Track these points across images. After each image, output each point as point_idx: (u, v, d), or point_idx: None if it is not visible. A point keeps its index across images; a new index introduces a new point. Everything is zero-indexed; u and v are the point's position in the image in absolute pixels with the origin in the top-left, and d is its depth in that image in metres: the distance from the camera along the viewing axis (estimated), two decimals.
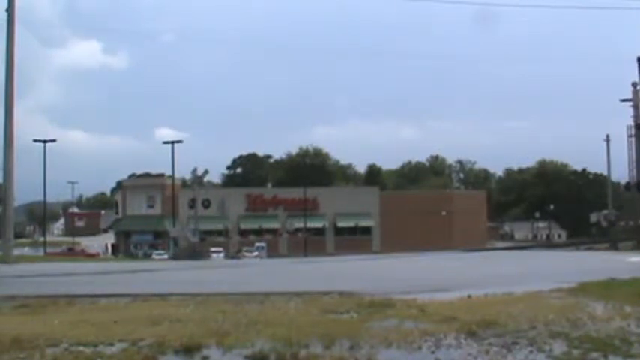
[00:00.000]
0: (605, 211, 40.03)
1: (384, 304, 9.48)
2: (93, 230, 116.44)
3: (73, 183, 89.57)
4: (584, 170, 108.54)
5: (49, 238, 74.03)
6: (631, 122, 38.31)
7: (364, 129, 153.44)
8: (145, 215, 74.33)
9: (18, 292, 12.52)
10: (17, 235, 40.83)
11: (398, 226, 68.11)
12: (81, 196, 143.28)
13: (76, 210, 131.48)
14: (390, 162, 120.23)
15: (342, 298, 10.57)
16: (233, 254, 58.85)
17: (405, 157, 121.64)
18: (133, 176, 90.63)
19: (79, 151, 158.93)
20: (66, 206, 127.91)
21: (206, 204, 70.25)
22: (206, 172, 67.50)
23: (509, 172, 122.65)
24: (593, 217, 41.25)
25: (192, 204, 64.56)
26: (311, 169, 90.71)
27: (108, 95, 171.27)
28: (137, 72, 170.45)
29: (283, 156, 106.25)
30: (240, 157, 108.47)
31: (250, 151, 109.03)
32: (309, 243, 63.14)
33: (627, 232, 38.45)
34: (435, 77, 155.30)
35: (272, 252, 61.91)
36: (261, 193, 77.26)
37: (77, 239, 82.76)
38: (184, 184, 75.07)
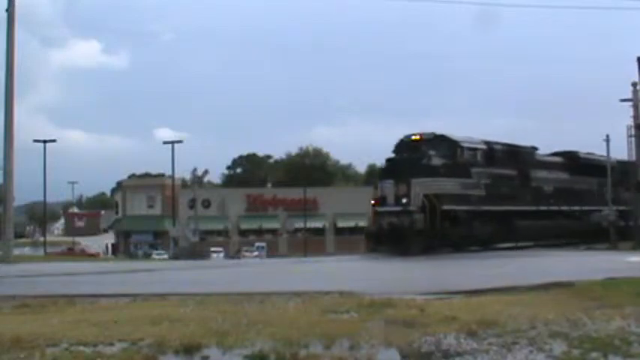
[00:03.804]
0: (605, 211, 39.91)
1: (384, 304, 9.48)
2: (93, 230, 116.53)
3: (73, 183, 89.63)
4: None
5: (49, 238, 74.04)
6: (631, 122, 38.29)
7: (364, 129, 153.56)
8: (145, 215, 74.39)
9: (18, 292, 12.52)
10: (17, 235, 40.88)
11: None
12: (81, 196, 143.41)
13: (76, 210, 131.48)
14: None
15: (342, 298, 10.57)
16: (233, 254, 58.91)
17: None
18: (133, 176, 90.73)
19: (79, 151, 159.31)
20: (66, 206, 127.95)
21: (206, 204, 70.37)
22: (206, 172, 67.66)
23: None
24: (593, 217, 41.05)
25: (192, 204, 64.69)
26: (311, 169, 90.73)
27: (108, 95, 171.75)
28: (137, 72, 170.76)
29: (283, 156, 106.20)
30: (240, 157, 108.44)
31: (250, 151, 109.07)
32: (309, 243, 63.19)
33: (627, 232, 38.41)
34: (434, 77, 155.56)
35: (272, 252, 61.96)
36: (261, 193, 77.38)
37: (77, 239, 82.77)
38: (184, 184, 75.11)
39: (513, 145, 34.41)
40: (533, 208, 33.69)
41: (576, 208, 37.41)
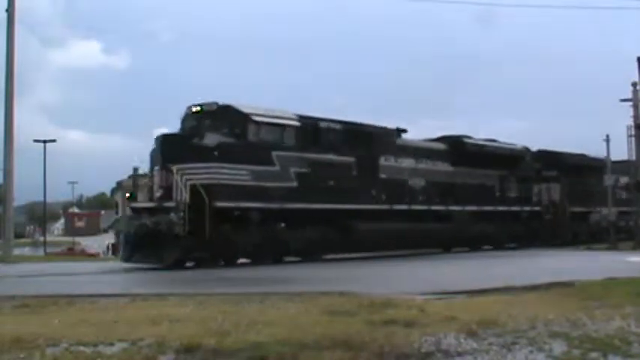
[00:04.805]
0: (605, 211, 39.92)
1: (384, 304, 9.49)
2: (93, 230, 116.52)
3: (73, 183, 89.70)
4: None
5: (49, 238, 74.09)
6: (631, 122, 38.27)
7: None
8: None
9: (18, 292, 12.52)
10: (17, 235, 40.86)
11: None
12: (81, 196, 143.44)
13: (76, 210, 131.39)
14: None
15: (342, 298, 10.57)
16: None
17: None
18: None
19: (79, 151, 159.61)
20: (66, 206, 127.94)
21: None
22: None
23: None
24: (593, 217, 40.94)
25: None
26: None
27: (108, 95, 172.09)
28: (137, 72, 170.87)
29: None
30: None
31: None
32: None
33: (627, 232, 38.41)
34: (434, 77, 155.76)
35: None
36: None
37: (77, 239, 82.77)
38: None
39: (354, 123, 25.83)
40: (385, 207, 25.74)
41: (456, 208, 29.28)
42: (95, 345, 6.51)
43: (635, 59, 36.61)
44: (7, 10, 27.31)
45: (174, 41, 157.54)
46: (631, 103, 37.65)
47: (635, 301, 9.67)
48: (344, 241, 23.89)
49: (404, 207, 26.64)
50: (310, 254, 22.90)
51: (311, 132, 23.55)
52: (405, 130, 28.20)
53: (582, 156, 39.71)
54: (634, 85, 37.12)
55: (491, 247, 31.30)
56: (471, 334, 7.11)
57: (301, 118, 23.47)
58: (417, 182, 27.77)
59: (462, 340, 6.84)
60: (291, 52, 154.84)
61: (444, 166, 29.38)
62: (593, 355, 6.32)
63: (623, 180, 41.72)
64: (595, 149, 43.57)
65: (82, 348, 6.42)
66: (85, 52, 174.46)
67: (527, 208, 33.94)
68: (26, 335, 6.84)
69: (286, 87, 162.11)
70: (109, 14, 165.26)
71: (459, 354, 6.37)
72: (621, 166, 41.47)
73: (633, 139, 38.01)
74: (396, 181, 26.62)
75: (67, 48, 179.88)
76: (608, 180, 40.61)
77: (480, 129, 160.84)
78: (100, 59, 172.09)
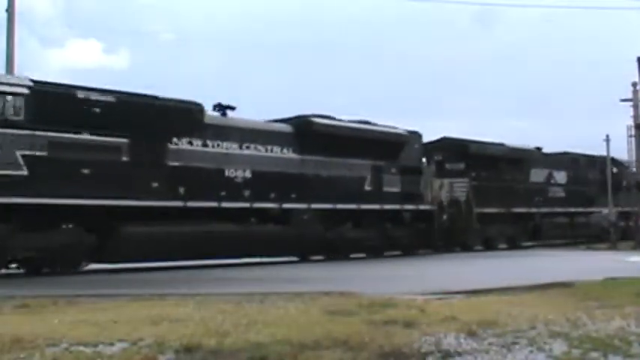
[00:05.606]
0: (605, 211, 39.93)
1: (385, 304, 9.50)
2: None
3: None
4: None
5: None
6: (631, 122, 38.31)
7: None
8: None
9: (18, 292, 12.52)
10: None
11: None
12: None
13: None
14: None
15: (342, 298, 10.58)
16: None
17: None
18: None
19: None
20: None
21: None
22: None
23: None
24: (593, 218, 40.85)
25: None
26: None
27: None
28: (137, 72, 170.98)
29: None
30: None
31: None
32: None
33: (627, 232, 38.42)
34: (434, 77, 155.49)
35: None
36: None
37: None
38: None
39: (134, 94, 19.55)
40: (175, 203, 19.53)
41: (297, 205, 22.66)
42: (95, 345, 6.51)
43: (635, 59, 36.66)
44: (7, 10, 27.30)
45: (174, 41, 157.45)
46: (631, 103, 37.70)
47: (635, 301, 9.68)
48: (104, 248, 18.40)
49: (211, 204, 20.35)
50: (52, 264, 17.99)
51: (56, 104, 17.64)
52: (231, 107, 22.03)
53: (500, 146, 33.03)
54: (634, 85, 37.17)
55: (363, 254, 25.21)
56: (471, 334, 7.11)
57: (39, 84, 17.69)
58: (239, 173, 21.38)
59: (462, 340, 6.84)
60: (293, 51, 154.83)
61: (284, 154, 22.78)
62: (594, 355, 6.32)
63: (559, 176, 37.36)
64: (595, 149, 43.47)
65: (82, 348, 6.42)
66: (85, 52, 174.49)
67: (410, 207, 26.36)
68: (26, 335, 6.84)
69: (286, 88, 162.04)
70: (109, 14, 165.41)
71: (459, 354, 6.37)
72: (556, 160, 37.58)
73: (633, 139, 38.06)
74: (199, 171, 20.29)
75: (67, 48, 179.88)
76: (537, 175, 35.67)
77: (481, 129, 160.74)
78: (99, 59, 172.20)
